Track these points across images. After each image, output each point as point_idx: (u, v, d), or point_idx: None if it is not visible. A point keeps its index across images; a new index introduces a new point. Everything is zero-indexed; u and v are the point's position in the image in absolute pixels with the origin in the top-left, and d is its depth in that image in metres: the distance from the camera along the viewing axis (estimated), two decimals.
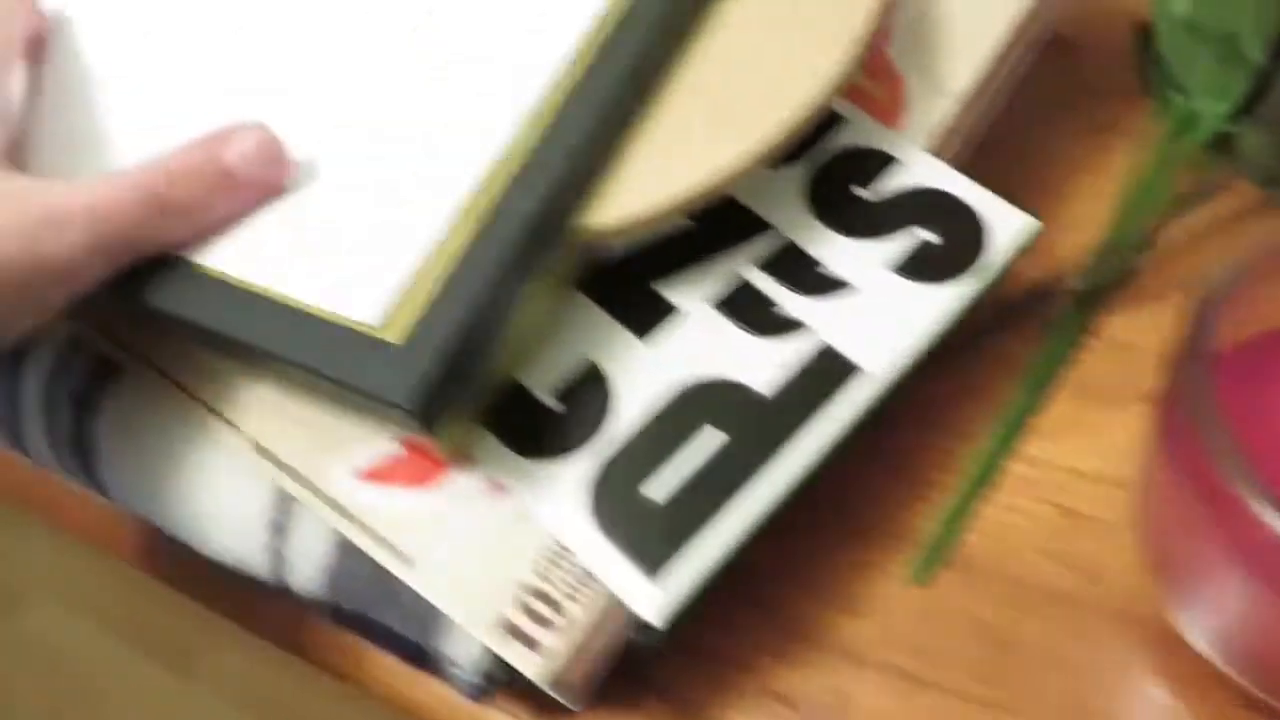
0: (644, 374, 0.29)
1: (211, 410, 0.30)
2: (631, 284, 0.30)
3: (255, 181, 0.28)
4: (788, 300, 0.30)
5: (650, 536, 0.26)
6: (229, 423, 0.29)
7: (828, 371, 0.29)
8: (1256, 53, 0.36)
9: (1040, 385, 0.34)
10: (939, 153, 0.32)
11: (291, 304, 0.26)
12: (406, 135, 0.29)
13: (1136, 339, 0.34)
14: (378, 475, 0.28)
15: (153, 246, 0.27)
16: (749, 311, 0.30)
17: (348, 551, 0.28)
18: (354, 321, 0.26)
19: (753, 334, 0.29)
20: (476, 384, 0.26)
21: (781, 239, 0.31)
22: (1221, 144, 0.37)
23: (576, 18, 0.29)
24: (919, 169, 0.32)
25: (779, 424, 0.28)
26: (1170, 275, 0.35)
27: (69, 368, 0.32)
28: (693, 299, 0.30)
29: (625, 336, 0.30)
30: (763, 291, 0.30)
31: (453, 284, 0.26)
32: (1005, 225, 0.31)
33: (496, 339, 0.26)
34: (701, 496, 0.27)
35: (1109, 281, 0.35)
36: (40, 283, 0.25)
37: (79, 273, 0.26)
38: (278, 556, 0.29)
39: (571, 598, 0.26)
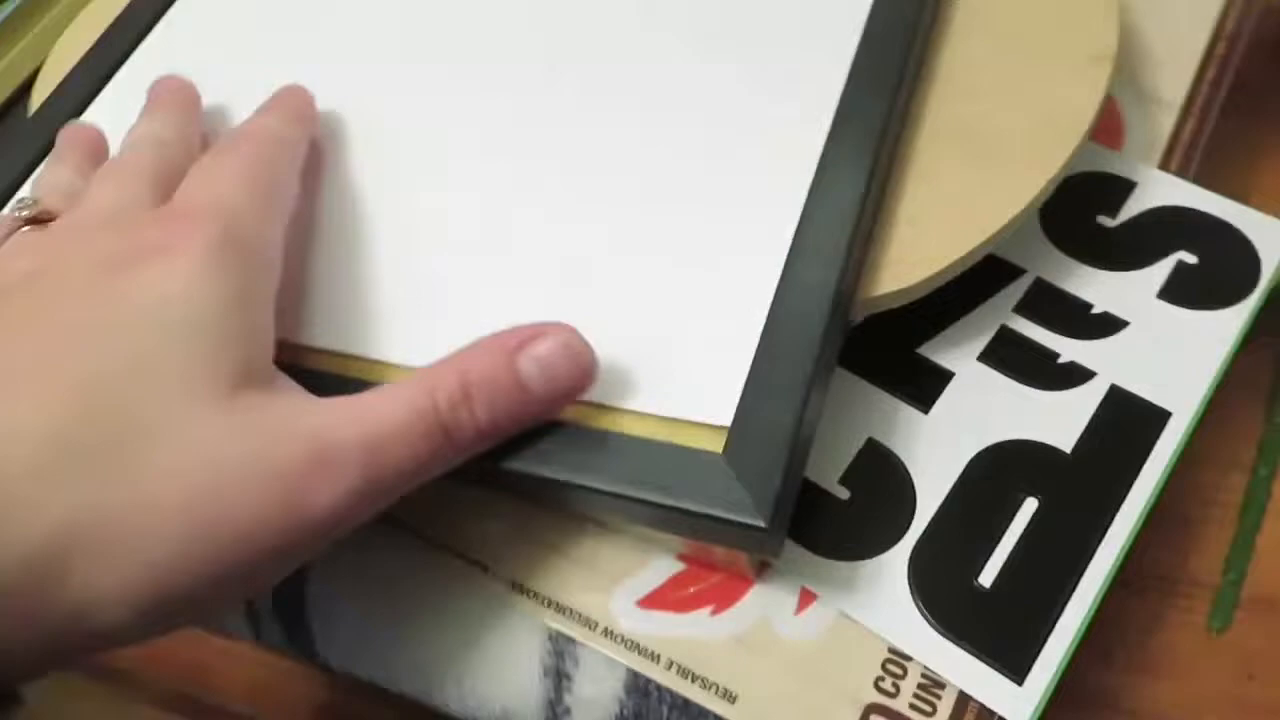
0: (934, 447, 0.26)
1: (453, 552, 0.26)
2: (896, 352, 0.28)
3: (558, 396, 0.22)
4: (1064, 346, 0.28)
5: (999, 630, 0.24)
6: (478, 564, 0.26)
7: (1126, 417, 0.26)
8: None
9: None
10: (1168, 167, 0.30)
11: (615, 430, 0.23)
12: (696, 224, 0.26)
13: None
14: (664, 601, 0.25)
15: (433, 475, 0.22)
16: (1025, 363, 0.27)
17: (641, 694, 0.25)
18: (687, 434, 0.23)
19: (1035, 387, 0.27)
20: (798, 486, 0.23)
21: (1036, 281, 0.29)
22: None
23: (832, 76, 0.27)
24: (1158, 188, 0.30)
25: (1091, 481, 0.26)
26: None
27: None
28: (964, 359, 0.28)
29: (905, 410, 0.27)
30: (1034, 340, 0.28)
31: (760, 375, 0.23)
32: (1266, 236, 0.29)
33: (813, 434, 0.23)
34: (1038, 574, 0.24)
35: None
36: (303, 540, 0.20)
37: (345, 523, 0.20)
38: (558, 707, 0.26)
39: (924, 710, 0.24)
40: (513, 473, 0.23)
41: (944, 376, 0.27)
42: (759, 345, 0.23)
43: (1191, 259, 0.29)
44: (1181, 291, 0.28)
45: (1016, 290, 0.29)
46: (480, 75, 0.30)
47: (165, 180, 0.24)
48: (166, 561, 0.18)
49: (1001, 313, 0.28)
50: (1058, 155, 0.26)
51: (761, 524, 0.21)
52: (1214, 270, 0.28)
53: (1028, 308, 0.28)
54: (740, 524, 0.21)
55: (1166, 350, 0.27)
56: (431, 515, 0.27)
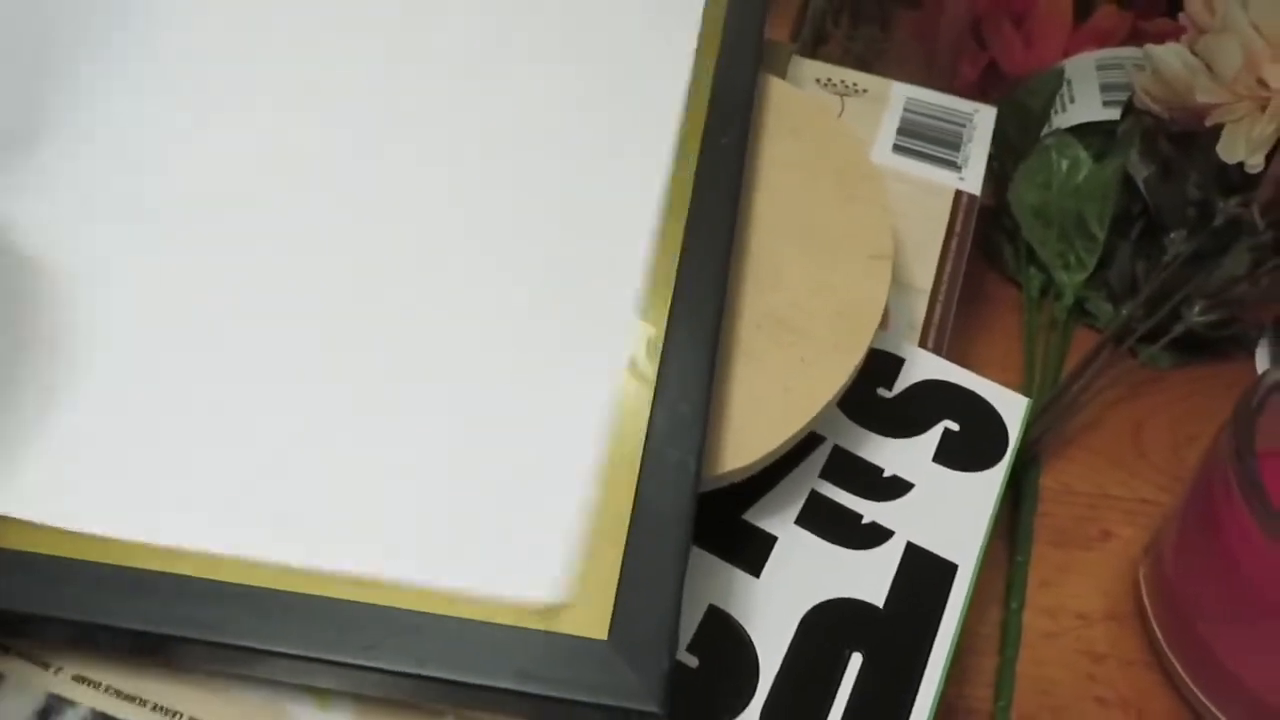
0: (769, 610, 0.28)
1: None
2: (723, 519, 0.30)
3: None
4: (865, 508, 0.31)
5: None
6: None
7: (922, 571, 0.30)
8: (1100, 230, 0.43)
9: (1029, 540, 0.37)
10: (925, 344, 0.35)
11: (452, 614, 0.23)
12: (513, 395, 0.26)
13: (1079, 485, 0.39)
14: None
15: None
16: (835, 526, 0.30)
17: None
18: (537, 616, 0.23)
19: (847, 547, 0.30)
20: None
21: (835, 448, 0.32)
22: (1080, 309, 0.44)
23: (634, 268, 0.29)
24: (921, 364, 0.34)
25: (903, 632, 0.28)
26: (1093, 427, 0.41)
27: None
28: (783, 523, 0.30)
29: (738, 575, 0.29)
30: (840, 503, 0.31)
31: (636, 558, 0.24)
32: (1007, 406, 0.34)
33: (681, 610, 0.24)
34: None
35: (1043, 436, 0.40)
36: None
37: None
38: None
39: None
40: (368, 670, 0.22)
41: (768, 541, 0.30)
42: (630, 530, 0.24)
43: (955, 426, 0.33)
44: (951, 456, 0.32)
45: (820, 456, 0.32)
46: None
47: None
48: None
49: (810, 478, 0.31)
50: (862, 340, 0.29)
51: (656, 709, 0.21)
52: (973, 436, 0.33)
53: (831, 472, 0.32)
54: (633, 711, 0.22)
55: (946, 508, 0.31)
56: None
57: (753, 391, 0.28)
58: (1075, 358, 0.42)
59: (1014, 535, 0.38)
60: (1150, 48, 0.42)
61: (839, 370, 0.29)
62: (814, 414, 0.28)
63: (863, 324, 0.30)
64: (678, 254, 0.29)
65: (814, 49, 0.52)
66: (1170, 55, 0.42)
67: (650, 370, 0.27)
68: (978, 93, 0.52)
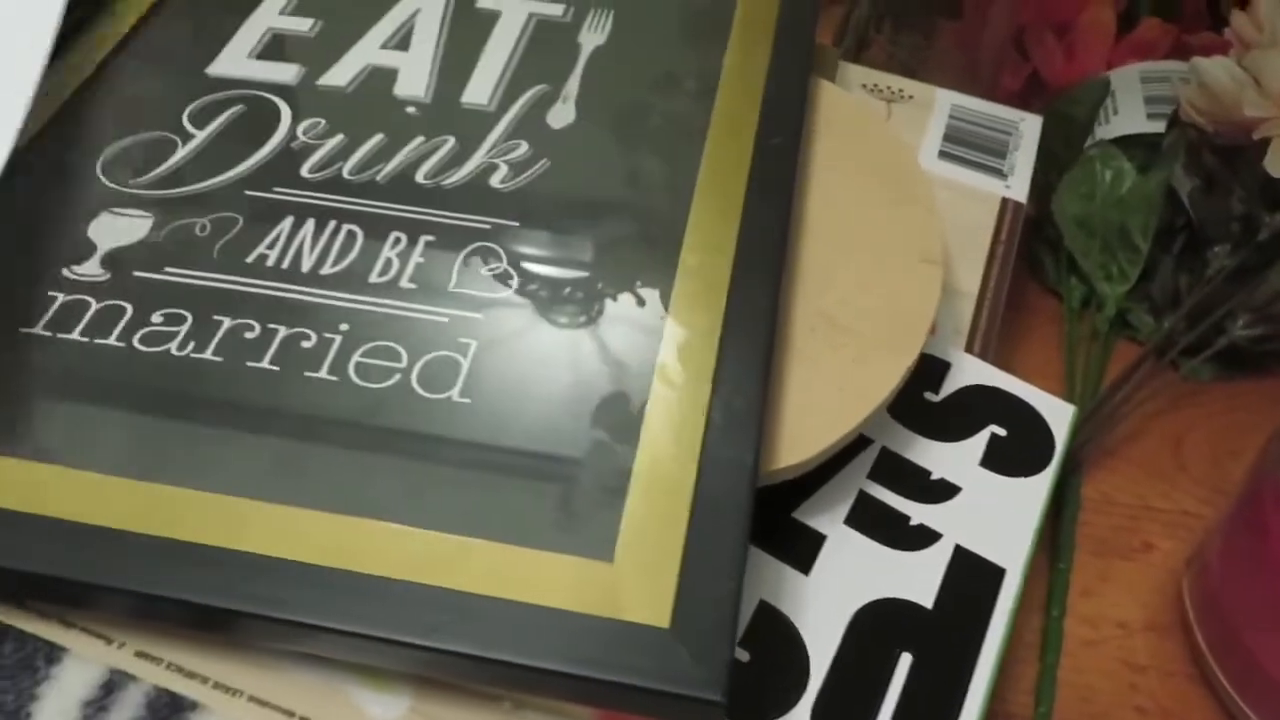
0: (818, 608, 0.28)
1: None
2: (775, 517, 0.30)
3: None
4: (913, 510, 0.31)
5: None
6: None
7: (971, 575, 0.30)
8: (1143, 242, 0.43)
9: (1071, 548, 0.37)
10: (971, 349, 0.36)
11: (515, 598, 0.23)
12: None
13: (1120, 496, 0.39)
14: None
15: None
16: (883, 527, 0.30)
17: None
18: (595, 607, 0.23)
19: (895, 548, 0.30)
20: None
21: (883, 450, 0.32)
22: (1122, 321, 0.44)
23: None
24: (968, 369, 0.35)
25: (953, 634, 0.29)
26: (1134, 438, 0.41)
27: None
28: (833, 522, 0.30)
29: (789, 572, 0.29)
30: (888, 504, 0.31)
31: (697, 551, 0.24)
32: (1054, 413, 0.34)
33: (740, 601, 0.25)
34: None
35: (1084, 446, 0.40)
36: None
37: None
38: None
39: None
40: (429, 651, 0.22)
41: (818, 539, 0.30)
42: (690, 521, 0.24)
43: (1002, 432, 0.33)
44: (998, 461, 0.33)
45: (868, 458, 0.32)
46: None
47: None
48: None
49: (858, 478, 0.31)
50: (913, 343, 0.30)
51: (718, 698, 0.22)
52: (1020, 442, 0.33)
53: (879, 474, 0.32)
54: (695, 699, 0.22)
55: (994, 513, 0.31)
56: (313, 698, 0.25)
57: (806, 391, 0.29)
58: (1116, 369, 0.43)
59: (1055, 543, 0.38)
60: (1197, 61, 0.42)
61: (891, 372, 0.29)
62: (867, 414, 0.28)
63: (914, 327, 0.30)
64: (732, 254, 0.30)
65: (857, 55, 0.52)
66: (1217, 68, 0.42)
67: (678, 374, 0.27)
68: (1019, 103, 0.52)
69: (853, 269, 0.32)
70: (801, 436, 0.28)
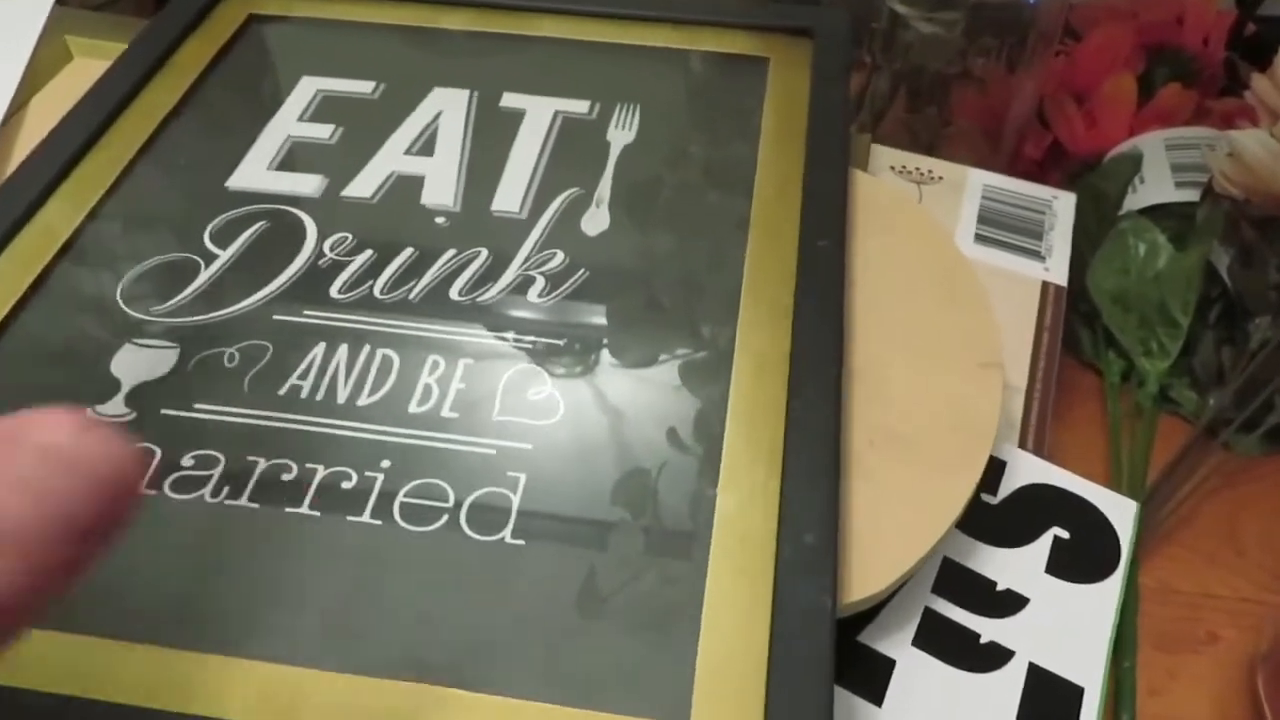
0: None
1: None
2: (840, 641, 0.28)
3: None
4: (982, 626, 0.30)
5: None
6: None
7: (1047, 692, 0.28)
8: (1184, 317, 0.42)
9: (1134, 644, 0.36)
10: (1025, 445, 0.34)
11: None
12: None
13: (1180, 584, 0.38)
14: None
15: None
16: (954, 647, 0.29)
17: None
18: None
19: (968, 670, 0.29)
20: None
21: (945, 560, 0.31)
22: (1164, 396, 0.43)
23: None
24: (1024, 467, 0.33)
25: None
26: (1187, 521, 0.40)
27: None
28: (900, 645, 0.29)
29: (860, 705, 0.27)
30: (957, 622, 0.30)
31: (778, 705, 0.22)
32: (1116, 511, 0.33)
33: None
34: None
35: (1140, 534, 0.39)
36: None
37: None
38: None
39: None
40: None
41: (887, 665, 0.28)
42: (769, 677, 0.23)
43: (1065, 534, 0.32)
44: (1063, 567, 0.31)
45: (930, 570, 0.31)
46: None
47: None
48: None
49: (923, 594, 0.30)
50: (980, 456, 0.28)
51: None
52: (1084, 545, 0.32)
53: (944, 587, 0.30)
54: None
55: (1065, 625, 0.30)
56: None
57: (873, 513, 0.27)
58: (1160, 445, 0.41)
59: (1118, 638, 0.36)
60: (1233, 134, 0.41)
61: (960, 488, 0.28)
62: (939, 535, 0.27)
63: (979, 438, 0.29)
64: (786, 370, 0.28)
65: (874, 127, 0.51)
66: (1252, 141, 0.41)
67: (740, 507, 0.26)
68: (1039, 172, 0.52)
69: (909, 376, 0.30)
70: (874, 565, 0.26)
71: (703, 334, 0.30)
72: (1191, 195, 0.45)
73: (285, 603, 0.24)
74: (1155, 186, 0.46)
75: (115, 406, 0.28)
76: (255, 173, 0.35)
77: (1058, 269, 0.39)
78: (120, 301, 0.31)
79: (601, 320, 0.30)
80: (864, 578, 0.26)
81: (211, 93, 0.38)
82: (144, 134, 0.36)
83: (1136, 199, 0.46)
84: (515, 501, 0.26)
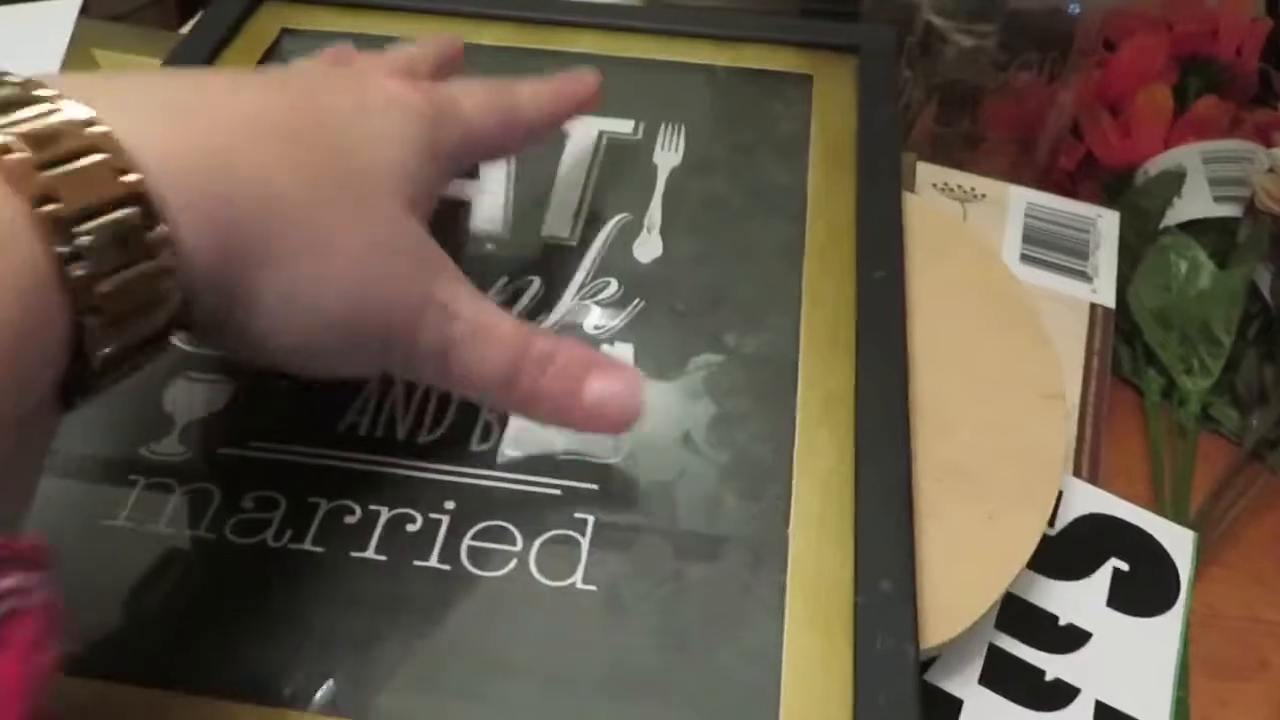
0: None
1: None
2: None
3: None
4: (1047, 662, 0.29)
5: None
6: None
7: None
8: (1227, 336, 0.42)
9: (1186, 672, 0.36)
10: (1079, 473, 0.34)
11: None
12: None
13: (1227, 608, 0.38)
14: None
15: None
16: (1020, 685, 0.29)
17: None
18: None
19: (1035, 709, 0.28)
20: None
21: (1007, 595, 0.30)
22: (1204, 414, 0.43)
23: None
24: (1080, 496, 0.33)
25: None
26: (1233, 543, 0.40)
27: None
28: (967, 683, 0.29)
29: None
30: (1022, 659, 0.29)
31: None
32: (1174, 542, 0.33)
33: None
34: None
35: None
36: None
37: None
38: None
39: None
40: None
41: (954, 705, 0.28)
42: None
43: (1124, 566, 0.32)
44: (1125, 600, 0.31)
45: (994, 606, 0.30)
46: None
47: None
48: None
49: (987, 630, 0.30)
50: (1049, 491, 0.28)
51: None
52: (1144, 577, 0.32)
53: (1007, 623, 0.30)
54: None
55: (1129, 660, 0.30)
56: None
57: (943, 554, 0.27)
58: (1201, 463, 0.41)
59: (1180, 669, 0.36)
60: (1276, 151, 0.41)
61: (1031, 525, 0.28)
62: (1012, 576, 0.27)
63: (1045, 473, 0.29)
64: (851, 407, 0.28)
65: (905, 139, 0.51)
66: None
67: (814, 553, 0.25)
68: (1071, 184, 0.52)
69: (972, 408, 0.30)
70: (947, 609, 0.26)
71: (765, 372, 0.29)
72: (1230, 209, 0.45)
73: (359, 654, 0.24)
74: (1193, 201, 0.46)
75: (170, 445, 0.28)
76: None
77: (1105, 290, 0.39)
78: None
79: (660, 353, 0.30)
80: (937, 623, 0.26)
81: None
82: None
83: (1174, 214, 0.46)
84: (584, 544, 0.26)
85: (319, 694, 0.23)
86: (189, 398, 0.29)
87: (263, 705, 0.23)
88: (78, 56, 0.41)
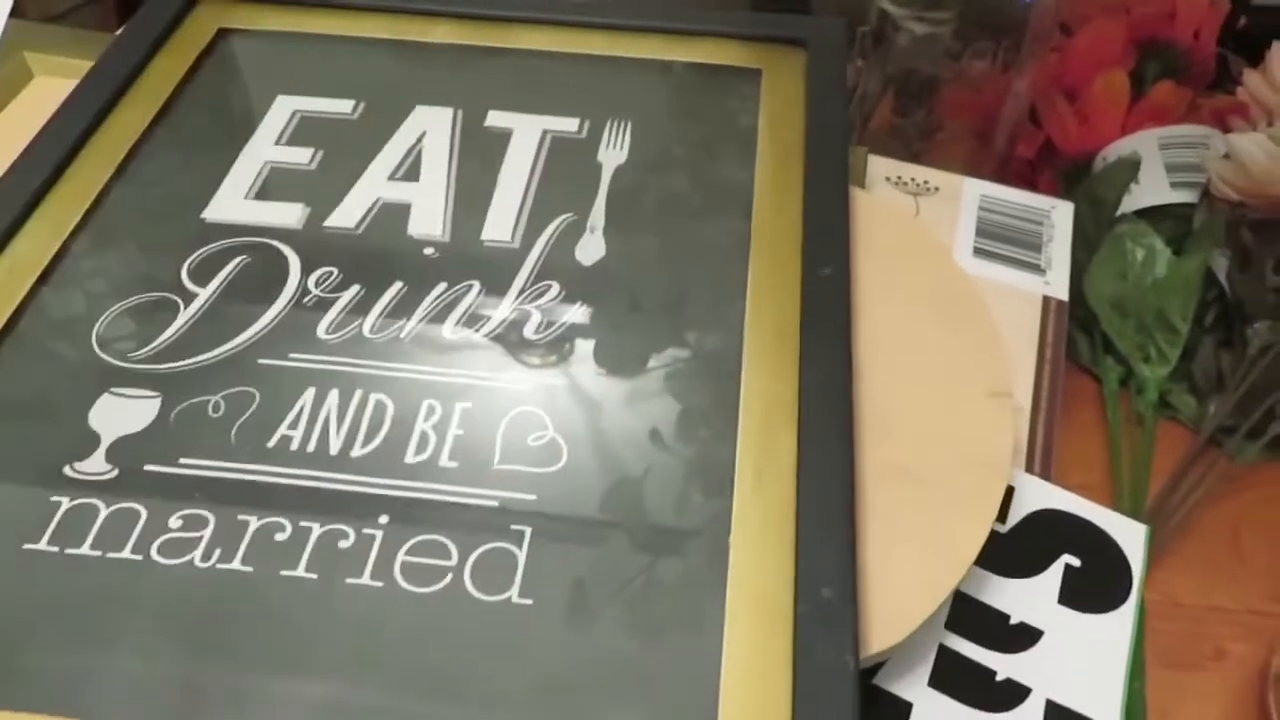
0: None
1: None
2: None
3: None
4: (997, 662, 0.29)
5: None
6: None
7: None
8: (1183, 324, 0.42)
9: (1141, 664, 0.36)
10: (1031, 468, 0.34)
11: None
12: None
13: (1184, 597, 0.38)
14: None
15: None
16: (970, 686, 0.29)
17: None
18: None
19: (986, 710, 0.28)
20: None
21: (957, 593, 0.30)
22: (1162, 402, 0.43)
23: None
24: (1032, 492, 0.33)
25: None
26: (1189, 532, 0.40)
27: None
28: (916, 685, 0.28)
29: None
30: (972, 659, 0.29)
31: None
32: (1126, 535, 0.32)
33: None
34: None
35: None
36: None
37: None
38: None
39: None
40: None
41: (904, 709, 0.28)
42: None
43: (1075, 561, 0.32)
44: (1076, 597, 0.31)
45: (943, 606, 0.30)
46: None
47: None
48: None
49: (936, 631, 0.29)
50: (995, 490, 0.28)
51: None
52: (1095, 572, 0.31)
53: (956, 623, 0.30)
54: None
55: (1080, 657, 0.30)
56: None
57: (886, 557, 0.27)
58: (1159, 450, 0.41)
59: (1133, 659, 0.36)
60: (1230, 137, 0.41)
61: (977, 525, 0.27)
62: (957, 579, 0.26)
63: (993, 473, 0.28)
64: (795, 407, 0.28)
65: (862, 129, 0.50)
66: (1249, 144, 0.41)
67: (753, 557, 0.25)
68: (1030, 171, 0.51)
69: (917, 409, 0.30)
70: (891, 613, 0.26)
71: (707, 374, 0.29)
72: (1187, 196, 0.45)
73: (286, 683, 0.23)
74: (1150, 188, 0.46)
75: (96, 463, 0.27)
76: (233, 202, 0.34)
77: (1058, 282, 0.38)
78: (96, 347, 0.29)
79: (601, 358, 0.29)
80: (883, 628, 0.25)
81: (183, 114, 0.37)
82: (114, 162, 0.34)
83: (1131, 200, 0.45)
84: (521, 557, 0.25)
85: None
86: (115, 414, 0.28)
87: None
88: (9, 60, 0.40)
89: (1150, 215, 0.45)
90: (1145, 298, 0.42)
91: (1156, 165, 0.46)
